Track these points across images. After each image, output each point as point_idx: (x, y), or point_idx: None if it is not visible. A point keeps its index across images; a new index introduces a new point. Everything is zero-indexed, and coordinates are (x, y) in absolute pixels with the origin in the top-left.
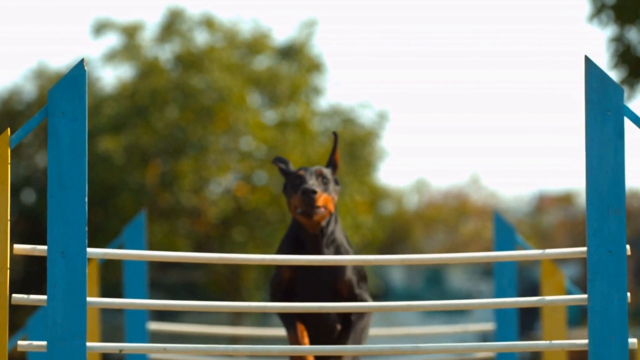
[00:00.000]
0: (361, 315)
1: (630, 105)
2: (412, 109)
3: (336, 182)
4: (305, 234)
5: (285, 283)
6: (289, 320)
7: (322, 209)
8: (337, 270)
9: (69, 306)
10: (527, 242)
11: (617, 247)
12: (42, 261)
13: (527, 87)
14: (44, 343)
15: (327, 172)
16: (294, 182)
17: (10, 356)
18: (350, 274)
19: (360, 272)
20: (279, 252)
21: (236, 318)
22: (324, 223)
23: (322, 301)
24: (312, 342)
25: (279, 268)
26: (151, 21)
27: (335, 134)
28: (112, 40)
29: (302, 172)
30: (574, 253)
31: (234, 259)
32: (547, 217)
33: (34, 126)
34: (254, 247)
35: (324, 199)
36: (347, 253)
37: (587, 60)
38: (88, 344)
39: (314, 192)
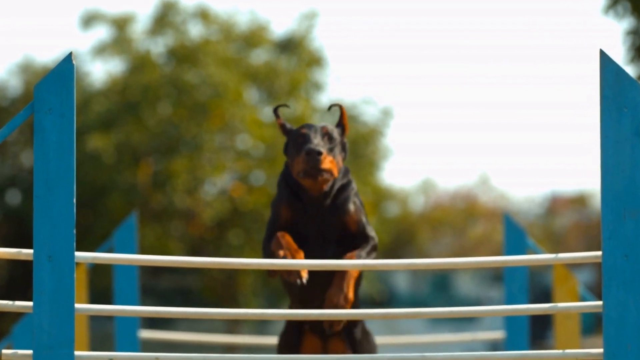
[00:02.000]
0: (365, 243)
1: None
2: (418, 106)
3: (343, 147)
4: (306, 196)
5: (283, 226)
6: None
7: (327, 174)
8: (341, 205)
9: (56, 313)
10: (539, 246)
11: (633, 251)
12: (27, 265)
13: (539, 82)
14: (30, 352)
15: (334, 131)
16: (296, 141)
17: None
18: (354, 207)
19: (360, 201)
20: (277, 202)
21: (232, 326)
22: (327, 188)
23: (327, 241)
24: (311, 284)
25: (277, 209)
26: (143, 13)
27: (339, 106)
28: (101, 32)
29: (305, 130)
30: (588, 257)
31: (230, 264)
32: (560, 219)
33: (19, 123)
34: (250, 250)
35: (330, 162)
36: (353, 195)
37: (602, 55)
38: (76, 352)
39: (319, 153)
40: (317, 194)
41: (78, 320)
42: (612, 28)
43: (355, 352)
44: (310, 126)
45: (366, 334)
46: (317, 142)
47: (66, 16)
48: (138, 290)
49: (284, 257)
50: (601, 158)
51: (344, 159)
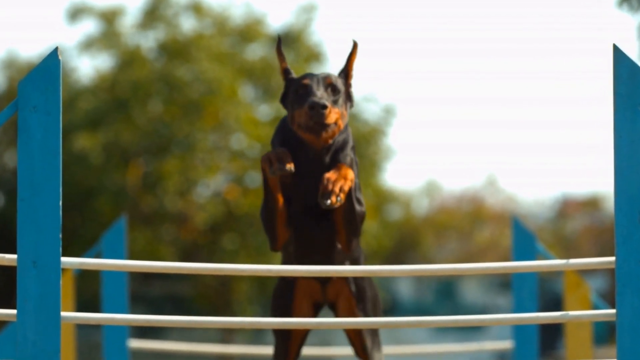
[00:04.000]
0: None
1: None
2: (422, 103)
3: (348, 97)
4: (304, 152)
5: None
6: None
7: (333, 127)
8: (340, 161)
9: (42, 321)
10: (549, 251)
11: None
12: (11, 272)
13: (549, 79)
14: None
15: (337, 81)
16: (297, 92)
17: None
18: (350, 162)
19: (356, 160)
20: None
21: (226, 335)
22: (331, 141)
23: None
24: (308, 255)
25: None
26: (132, 6)
27: (354, 42)
28: (89, 26)
29: (307, 81)
30: (600, 263)
31: (224, 270)
32: (571, 223)
33: (2, 122)
34: (245, 256)
35: (336, 113)
36: (350, 150)
37: (616, 50)
38: None
39: (324, 106)
40: (320, 149)
41: (64, 329)
42: (626, 22)
43: (357, 294)
44: (312, 76)
45: (369, 280)
46: (321, 94)
47: (52, 9)
48: (127, 297)
49: (274, 159)
50: (614, 158)
51: (349, 109)
